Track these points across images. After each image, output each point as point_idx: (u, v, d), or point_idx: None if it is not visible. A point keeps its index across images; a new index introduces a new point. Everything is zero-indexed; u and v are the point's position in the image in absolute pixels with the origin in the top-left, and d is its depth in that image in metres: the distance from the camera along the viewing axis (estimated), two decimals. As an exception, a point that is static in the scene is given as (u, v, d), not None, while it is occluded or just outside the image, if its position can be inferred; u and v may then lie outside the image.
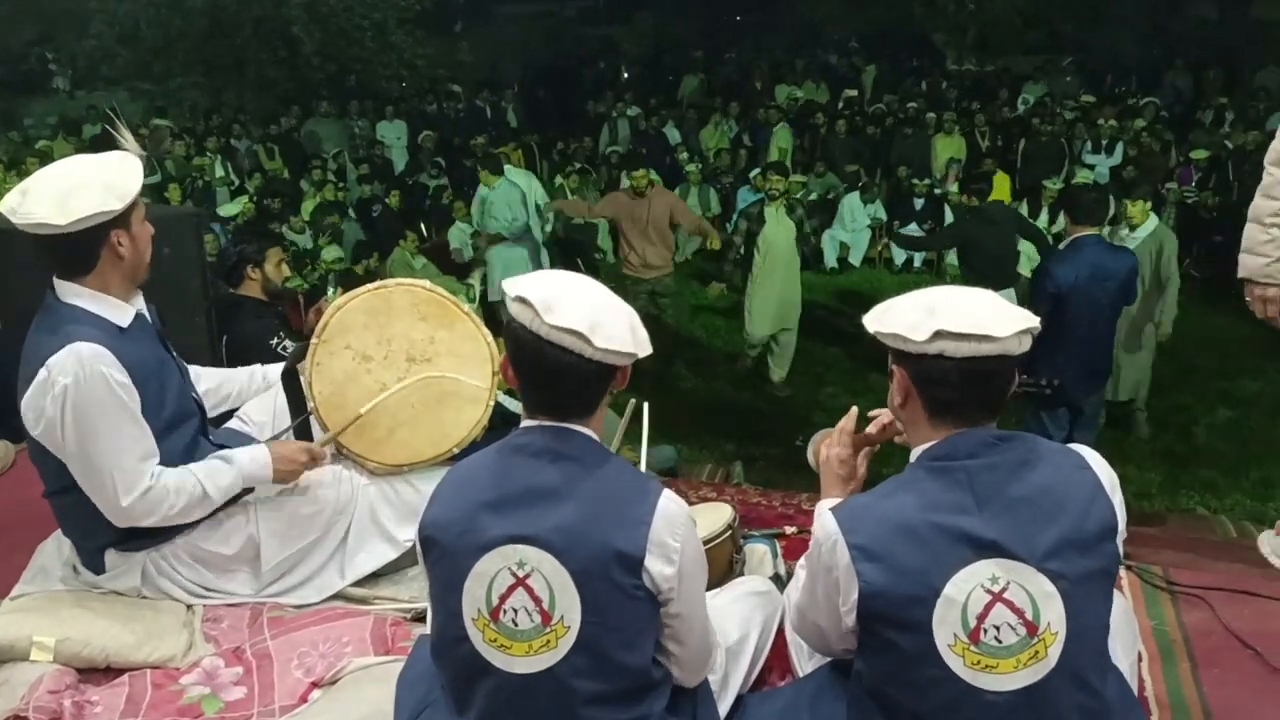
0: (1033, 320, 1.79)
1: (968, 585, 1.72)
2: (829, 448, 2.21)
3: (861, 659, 1.87)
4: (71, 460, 2.36)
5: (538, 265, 9.07)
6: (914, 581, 1.73)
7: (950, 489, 1.77)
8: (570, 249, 10.86)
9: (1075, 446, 1.91)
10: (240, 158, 12.69)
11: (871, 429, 2.22)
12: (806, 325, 8.25)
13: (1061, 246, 5.42)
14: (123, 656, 2.44)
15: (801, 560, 2.00)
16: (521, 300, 1.78)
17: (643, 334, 1.86)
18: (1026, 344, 1.78)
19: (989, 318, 1.75)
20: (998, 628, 1.71)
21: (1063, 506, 1.76)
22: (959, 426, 1.82)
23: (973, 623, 1.71)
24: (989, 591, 1.71)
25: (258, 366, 3.01)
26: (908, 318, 1.80)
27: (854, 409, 2.20)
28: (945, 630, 1.72)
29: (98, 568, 2.58)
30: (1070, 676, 1.73)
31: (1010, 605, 1.71)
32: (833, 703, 1.97)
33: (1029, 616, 1.71)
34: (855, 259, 11.47)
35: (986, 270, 7.17)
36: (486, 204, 8.96)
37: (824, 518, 1.86)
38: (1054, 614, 1.71)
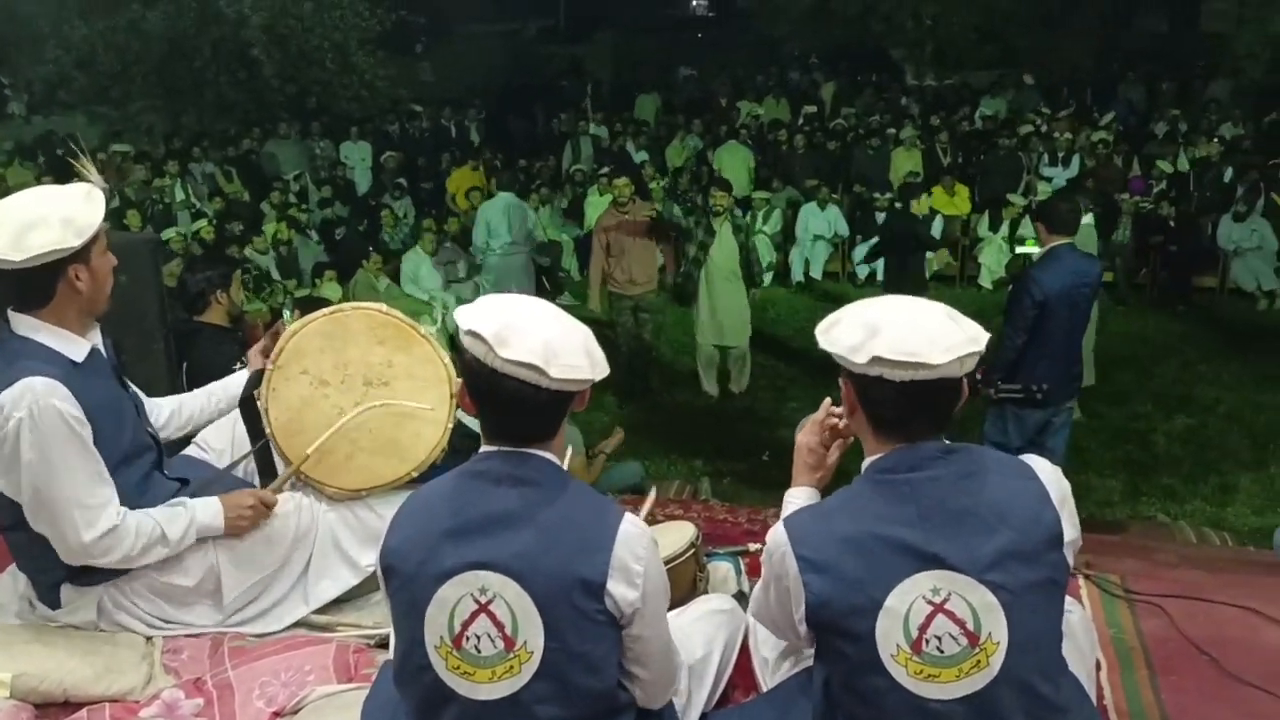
0: (979, 343, 1.80)
1: (909, 596, 1.74)
2: (803, 434, 2.22)
3: (819, 667, 1.90)
4: (27, 497, 2.32)
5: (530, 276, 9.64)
6: (856, 592, 1.76)
7: (894, 502, 1.79)
8: (535, 268, 10.88)
9: (1026, 457, 1.93)
10: (197, 182, 12.59)
11: (842, 422, 2.19)
12: (770, 339, 8.29)
13: (1037, 255, 5.54)
14: (81, 690, 2.40)
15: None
16: (473, 335, 1.77)
17: (599, 356, 1.86)
18: (970, 365, 1.79)
19: (928, 342, 1.76)
20: (939, 638, 1.74)
21: (1006, 518, 1.78)
22: (904, 441, 1.84)
23: (914, 633, 1.74)
24: (930, 603, 1.74)
25: (215, 384, 2.96)
26: (850, 336, 1.82)
27: (827, 400, 2.21)
28: (888, 641, 1.75)
29: (53, 602, 2.54)
30: (1014, 685, 1.75)
31: (951, 616, 1.74)
32: (799, 716, 1.98)
33: (970, 627, 1.74)
34: (815, 272, 11.52)
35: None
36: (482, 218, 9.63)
37: (776, 527, 1.89)
38: (995, 624, 1.74)
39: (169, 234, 10.15)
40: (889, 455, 1.85)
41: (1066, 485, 1.89)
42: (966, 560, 1.74)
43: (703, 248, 7.78)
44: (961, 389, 1.83)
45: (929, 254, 9.87)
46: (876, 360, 1.76)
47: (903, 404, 1.80)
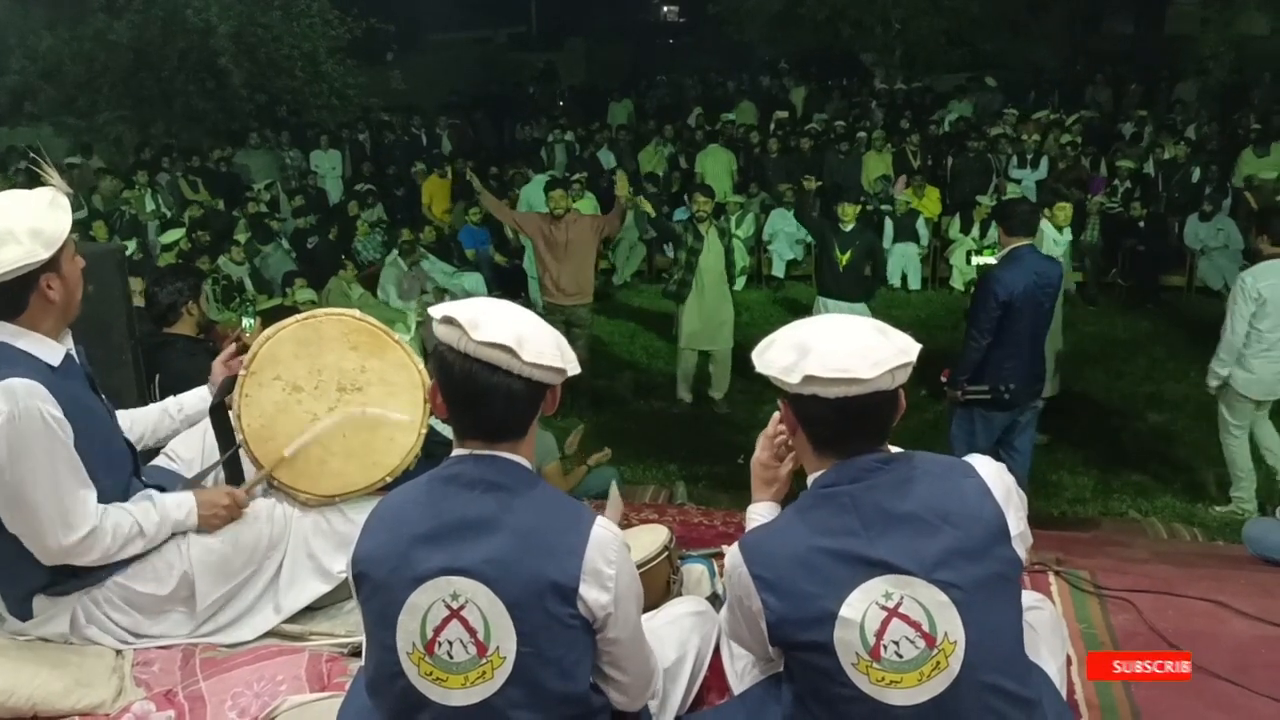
0: (909, 355, 1.83)
1: (862, 604, 1.76)
2: (757, 450, 2.24)
3: (786, 678, 1.91)
4: (8, 499, 2.30)
5: None
6: (810, 606, 1.78)
7: (837, 514, 1.82)
8: (510, 277, 10.91)
9: (968, 456, 1.96)
10: (166, 193, 12.50)
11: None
12: (745, 342, 8.28)
13: (997, 258, 5.61)
14: (50, 705, 2.37)
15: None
16: (448, 320, 1.79)
17: (571, 354, 1.88)
18: (902, 377, 1.82)
19: (858, 357, 1.79)
20: (897, 643, 1.75)
21: (948, 517, 1.80)
22: (842, 457, 1.87)
23: (872, 640, 1.76)
24: (884, 608, 1.76)
25: (170, 400, 2.95)
26: (783, 358, 1.85)
27: (776, 414, 2.22)
28: (847, 650, 1.76)
29: (24, 614, 2.51)
30: (976, 683, 1.77)
31: (906, 619, 1.75)
32: (770, 717, 1.99)
33: (926, 628, 1.75)
34: (779, 270, 11.51)
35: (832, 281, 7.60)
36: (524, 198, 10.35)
37: (732, 548, 1.92)
38: (951, 623, 1.76)
39: (173, 237, 10.09)
40: (829, 472, 1.88)
41: (1010, 480, 1.92)
42: (914, 562, 1.77)
43: (693, 253, 7.78)
44: (898, 401, 1.86)
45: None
46: (809, 379, 1.79)
47: (838, 420, 1.83)
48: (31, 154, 3.00)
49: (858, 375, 1.77)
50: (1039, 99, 15.55)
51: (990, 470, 1.90)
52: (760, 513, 2.19)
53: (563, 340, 1.88)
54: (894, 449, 1.93)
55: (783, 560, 1.82)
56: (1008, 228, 5.49)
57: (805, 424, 1.90)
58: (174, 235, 10.27)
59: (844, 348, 1.80)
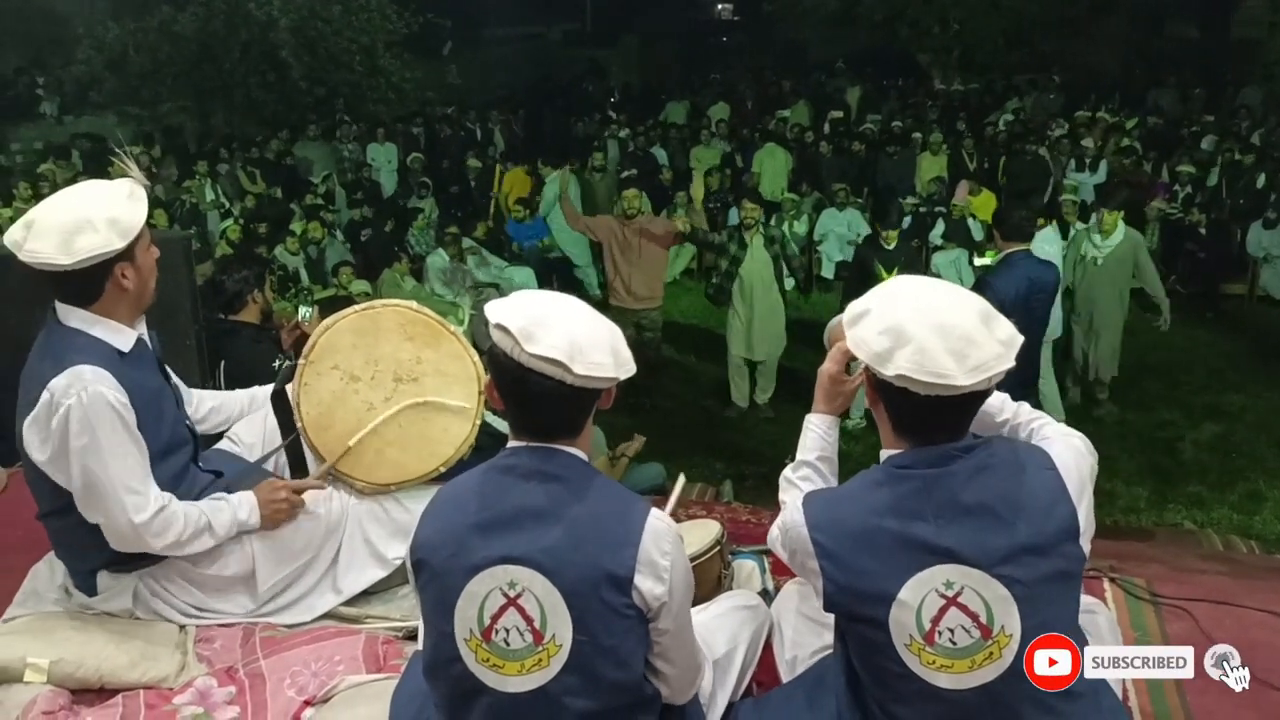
0: (1010, 355, 1.77)
1: (922, 590, 1.76)
2: (827, 361, 2.17)
3: (840, 646, 1.93)
4: (78, 484, 2.36)
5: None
6: (868, 583, 1.78)
7: (909, 496, 1.80)
8: (553, 269, 10.96)
9: (1046, 443, 1.94)
10: (225, 182, 12.70)
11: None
12: (792, 342, 8.25)
13: (994, 262, 5.58)
14: (116, 677, 2.45)
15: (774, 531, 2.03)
16: (501, 328, 1.79)
17: (626, 354, 1.86)
18: (999, 379, 1.77)
19: (957, 359, 1.72)
20: (952, 630, 1.75)
21: (1021, 511, 1.78)
22: (922, 443, 1.84)
23: (927, 625, 1.76)
24: (943, 596, 1.76)
25: (258, 389, 3.01)
26: (876, 342, 1.79)
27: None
28: (901, 631, 1.77)
29: (90, 589, 2.58)
30: (1026, 676, 1.77)
31: (964, 609, 1.75)
32: (826, 699, 1.99)
33: (983, 620, 1.75)
34: (828, 272, 11.26)
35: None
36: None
37: (794, 504, 1.91)
38: (1009, 617, 1.75)
39: (225, 225, 10.29)
40: (906, 453, 1.85)
41: (1085, 469, 1.89)
42: (980, 554, 1.76)
43: (735, 261, 7.68)
44: (988, 394, 1.83)
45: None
46: (902, 376, 1.75)
47: (926, 413, 1.80)
48: (117, 148, 3.07)
49: (954, 381, 1.72)
50: (1099, 101, 15.29)
51: (1068, 460, 1.87)
52: (816, 425, 2.20)
53: (618, 341, 1.86)
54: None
55: (845, 532, 1.82)
56: (1003, 233, 5.46)
57: (889, 407, 1.86)
58: (223, 224, 10.45)
59: (943, 343, 1.73)
